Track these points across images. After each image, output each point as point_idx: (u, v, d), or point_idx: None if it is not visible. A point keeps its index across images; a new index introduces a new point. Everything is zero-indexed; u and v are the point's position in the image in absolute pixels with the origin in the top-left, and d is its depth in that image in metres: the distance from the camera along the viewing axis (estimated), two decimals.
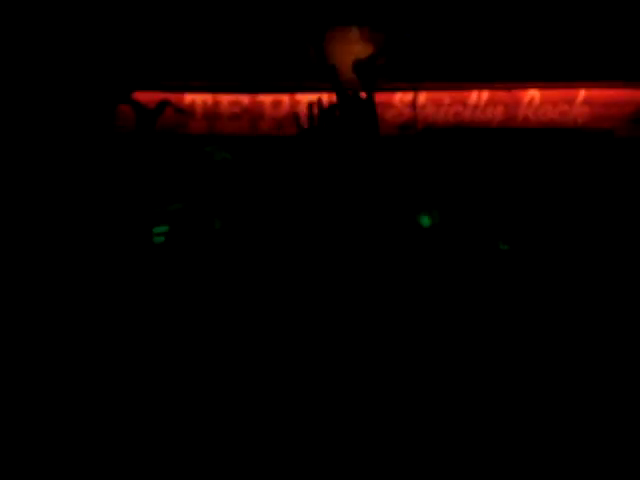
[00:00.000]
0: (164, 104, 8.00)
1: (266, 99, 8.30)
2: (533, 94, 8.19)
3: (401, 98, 8.13)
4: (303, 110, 8.20)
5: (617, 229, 6.34)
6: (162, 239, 6.25)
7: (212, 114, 8.36)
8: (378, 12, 7.33)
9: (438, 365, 4.53)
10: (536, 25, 7.55)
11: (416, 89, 7.48)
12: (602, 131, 8.29)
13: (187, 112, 8.22)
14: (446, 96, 8.24)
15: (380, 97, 8.30)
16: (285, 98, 8.25)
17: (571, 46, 7.23)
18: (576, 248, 7.17)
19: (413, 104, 7.79)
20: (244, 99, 8.31)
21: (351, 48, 7.04)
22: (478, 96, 8.22)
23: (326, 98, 8.36)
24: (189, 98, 8.32)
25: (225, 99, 8.33)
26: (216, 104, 8.35)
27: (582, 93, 8.12)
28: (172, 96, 8.17)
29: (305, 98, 8.32)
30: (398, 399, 4.18)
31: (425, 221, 7.69)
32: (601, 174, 8.08)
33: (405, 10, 7.64)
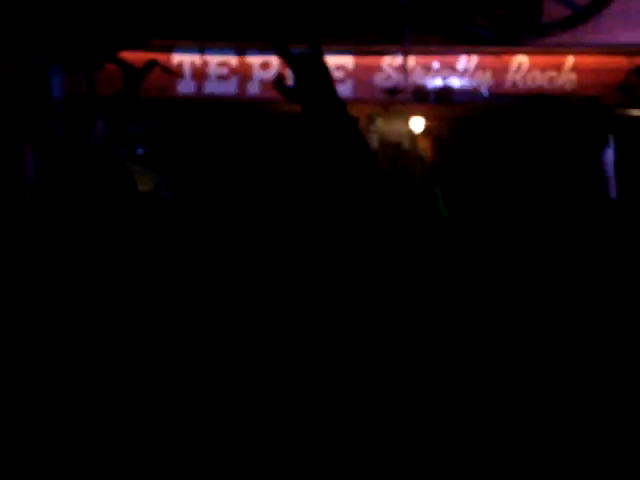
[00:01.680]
0: (152, 64, 7.97)
1: (255, 60, 8.27)
2: (521, 60, 8.19)
3: (390, 62, 8.11)
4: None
5: (602, 199, 6.37)
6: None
7: (200, 75, 8.33)
8: None
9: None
10: None
11: (405, 53, 7.46)
12: (589, 99, 8.30)
13: (175, 73, 8.18)
14: (435, 61, 8.23)
15: (368, 60, 8.29)
16: (274, 59, 8.22)
17: (560, 12, 7.22)
18: (561, 214, 7.20)
19: (403, 68, 7.77)
20: (232, 60, 8.27)
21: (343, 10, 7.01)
22: (467, 61, 8.21)
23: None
24: (177, 59, 8.28)
25: (213, 60, 8.29)
26: (204, 65, 8.31)
27: (570, 60, 8.12)
28: (160, 56, 8.13)
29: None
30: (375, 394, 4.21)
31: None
32: (586, 142, 8.10)
33: None
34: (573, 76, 8.20)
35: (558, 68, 8.18)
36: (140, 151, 7.72)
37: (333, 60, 8.24)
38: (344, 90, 8.37)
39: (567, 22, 6.98)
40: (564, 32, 7.10)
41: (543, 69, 8.21)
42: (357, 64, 8.28)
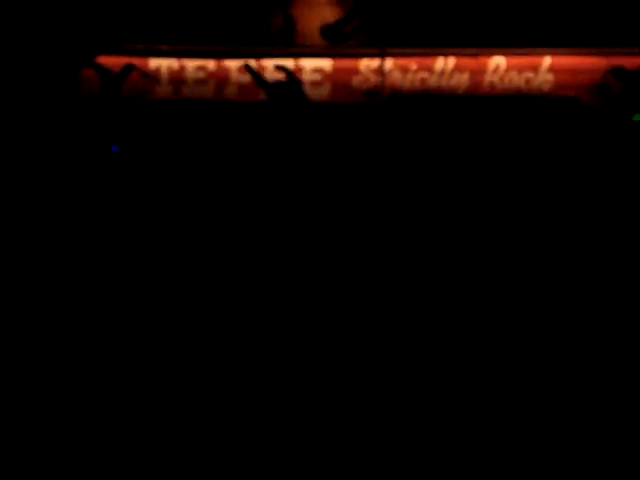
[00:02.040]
0: (129, 68, 7.94)
1: (232, 64, 8.25)
2: (499, 61, 8.20)
3: (367, 64, 8.11)
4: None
5: (582, 196, 6.40)
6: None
7: (178, 79, 8.30)
8: None
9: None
10: None
11: (383, 55, 7.46)
12: (567, 98, 8.32)
13: (152, 77, 8.15)
14: (412, 62, 8.23)
15: (346, 63, 8.29)
16: (251, 64, 8.21)
17: (536, 13, 7.24)
18: (542, 215, 7.22)
19: (380, 70, 7.77)
20: (210, 64, 8.25)
21: (319, 12, 7.00)
22: (444, 62, 8.22)
23: (293, 65, 8.30)
24: (154, 63, 8.25)
25: (191, 64, 8.27)
26: (182, 69, 8.29)
27: (547, 60, 8.15)
28: (137, 60, 8.11)
29: (272, 64, 8.28)
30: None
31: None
32: (566, 141, 8.12)
33: None
34: (550, 77, 8.22)
35: (535, 69, 8.20)
36: (115, 149, 7.69)
37: (311, 63, 8.24)
38: (321, 93, 8.37)
39: (540, 25, 7.01)
40: (538, 34, 7.12)
41: (520, 70, 8.23)
42: (335, 67, 8.28)
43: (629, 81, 8.12)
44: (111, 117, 7.72)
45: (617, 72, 8.15)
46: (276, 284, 5.81)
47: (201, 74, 8.27)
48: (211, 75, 8.28)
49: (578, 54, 8.06)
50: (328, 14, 6.92)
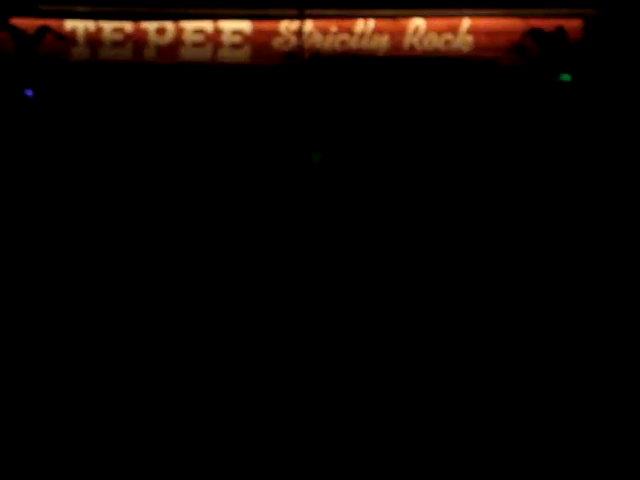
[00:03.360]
0: (44, 30, 7.77)
1: (150, 26, 8.12)
2: (418, 23, 8.21)
3: (287, 26, 8.05)
4: (189, 39, 8.06)
5: (501, 153, 6.45)
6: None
7: (94, 41, 8.15)
8: None
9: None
10: None
11: (302, 17, 7.41)
12: (485, 60, 8.37)
13: (68, 39, 7.99)
14: (332, 24, 8.20)
15: (266, 25, 8.22)
16: (169, 26, 8.10)
17: None
18: (460, 173, 7.27)
19: (299, 32, 7.72)
20: (127, 26, 8.12)
21: None
22: (364, 24, 8.21)
23: (212, 27, 8.21)
24: (70, 25, 8.09)
25: (108, 26, 8.12)
26: (98, 31, 8.14)
27: (466, 22, 8.18)
28: (52, 22, 7.94)
29: (190, 25, 8.18)
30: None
31: (316, 157, 7.69)
32: (484, 102, 8.18)
33: None
34: (469, 38, 8.27)
35: (454, 31, 8.23)
36: (29, 93, 7.54)
37: (230, 25, 8.15)
38: (242, 55, 8.30)
39: None
40: None
41: (440, 32, 8.26)
42: (255, 29, 8.21)
43: (546, 42, 8.21)
44: (26, 80, 7.57)
45: (535, 34, 8.23)
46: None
47: (118, 36, 8.13)
48: (128, 37, 8.15)
49: (496, 16, 8.11)
50: None
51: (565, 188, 6.96)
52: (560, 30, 8.24)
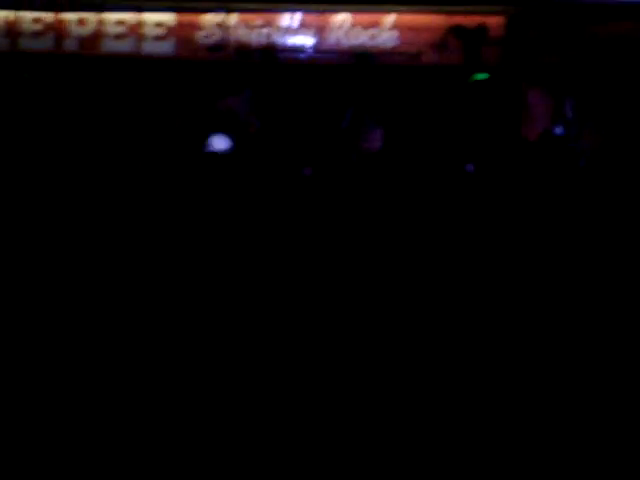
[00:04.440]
0: None
1: (71, 17, 7.98)
2: (344, 17, 8.22)
3: (211, 19, 7.98)
4: (111, 30, 7.93)
5: (422, 148, 6.47)
6: None
7: (13, 32, 7.98)
8: None
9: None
10: None
11: (227, 10, 7.34)
12: (409, 55, 8.42)
13: None
14: (258, 18, 8.15)
15: (189, 17, 8.14)
16: (91, 17, 7.97)
17: None
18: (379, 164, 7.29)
19: (223, 25, 7.65)
20: (48, 17, 7.96)
21: None
22: (290, 19, 8.18)
23: (134, 18, 8.09)
24: None
25: (27, 16, 7.95)
26: (18, 21, 7.96)
27: (391, 17, 8.21)
28: None
29: (113, 17, 8.06)
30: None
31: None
32: (406, 98, 8.22)
33: None
34: (394, 34, 8.30)
35: (379, 26, 8.26)
36: None
37: (153, 17, 8.05)
38: (165, 48, 8.20)
39: None
40: None
41: (365, 27, 8.27)
42: (178, 21, 8.12)
43: (468, 39, 8.28)
44: None
45: (457, 30, 8.29)
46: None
47: (38, 27, 7.96)
48: (49, 28, 7.99)
49: (420, 12, 8.16)
50: None
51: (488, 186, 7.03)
52: (481, 27, 8.32)
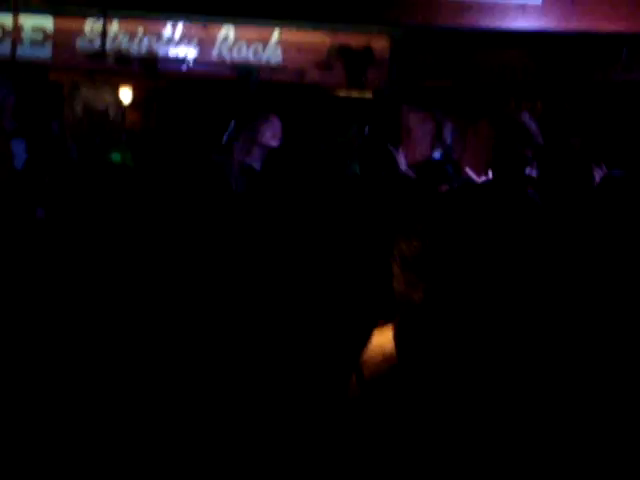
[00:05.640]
0: None
1: None
2: (228, 32, 8.11)
3: (92, 26, 7.76)
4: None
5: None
6: None
7: None
8: None
9: None
10: None
11: (106, 17, 7.14)
12: (293, 72, 8.38)
13: None
14: (139, 27, 7.98)
15: (70, 23, 7.92)
16: None
17: None
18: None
19: (103, 33, 7.44)
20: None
21: None
22: (172, 29, 8.03)
23: (12, 21, 7.84)
24: None
25: None
26: None
27: (276, 34, 8.14)
28: None
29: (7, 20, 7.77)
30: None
31: (116, 157, 7.42)
32: (290, 116, 8.17)
33: None
34: (278, 50, 8.24)
35: (264, 42, 8.18)
36: None
37: (31, 21, 7.79)
38: (43, 53, 7.97)
39: None
40: (268, 5, 7.05)
41: (249, 42, 8.19)
42: (58, 26, 7.89)
43: (353, 60, 8.28)
44: None
45: (342, 51, 8.29)
46: None
47: None
48: None
49: (306, 30, 8.11)
50: None
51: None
52: (367, 49, 8.34)
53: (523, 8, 7.16)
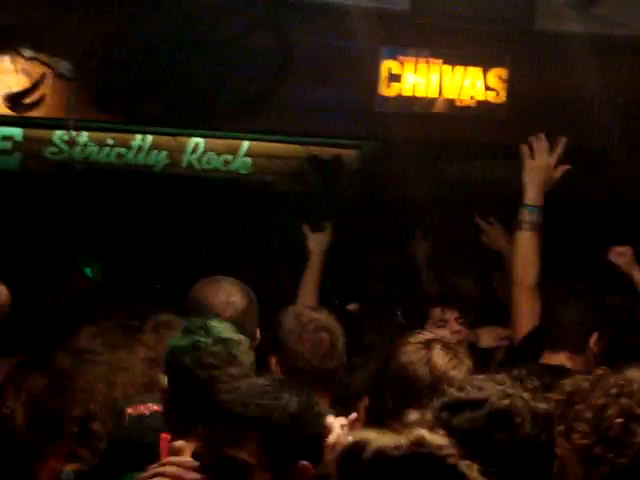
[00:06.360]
0: None
1: None
2: (197, 141, 8.15)
3: (61, 135, 7.77)
4: None
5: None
6: None
7: None
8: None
9: None
10: (206, 75, 7.46)
11: (76, 127, 7.14)
12: (263, 182, 8.40)
13: None
14: (109, 137, 8.01)
15: (38, 133, 7.93)
16: None
17: (235, 99, 7.17)
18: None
19: (72, 142, 7.44)
20: None
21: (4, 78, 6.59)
22: (142, 139, 8.06)
23: None
24: None
25: None
26: None
27: (245, 144, 8.19)
28: None
29: None
30: None
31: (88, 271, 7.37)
32: (261, 227, 8.16)
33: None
34: (248, 160, 8.28)
35: (234, 152, 8.22)
36: None
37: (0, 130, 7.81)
38: (12, 162, 7.97)
39: (239, 111, 6.96)
40: (237, 119, 7.08)
41: (219, 152, 8.22)
42: (26, 136, 7.90)
43: (324, 169, 8.33)
44: None
45: (313, 160, 8.34)
46: None
47: None
48: None
49: (276, 141, 8.16)
50: (14, 81, 6.53)
51: None
52: (337, 158, 8.40)
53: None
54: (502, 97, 7.15)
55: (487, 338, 5.03)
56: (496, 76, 7.13)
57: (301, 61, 6.87)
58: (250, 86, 6.90)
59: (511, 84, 7.12)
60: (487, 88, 7.14)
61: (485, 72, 7.13)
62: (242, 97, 6.95)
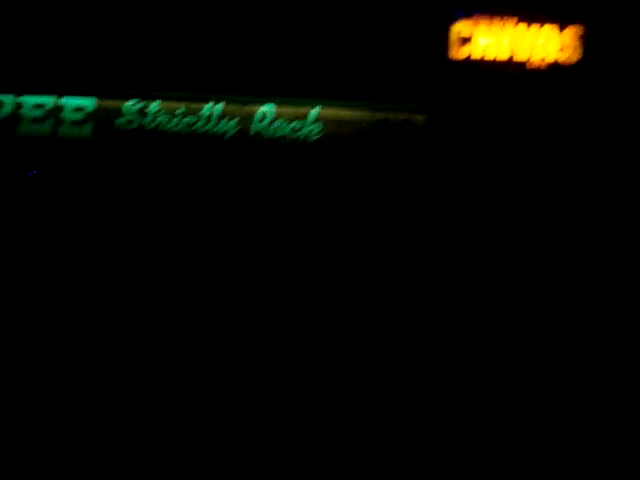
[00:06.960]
0: None
1: None
2: (266, 109, 8.15)
3: (131, 105, 7.83)
4: (28, 114, 7.77)
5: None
6: None
7: None
8: None
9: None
10: (271, 40, 7.48)
11: (147, 97, 7.19)
12: (334, 147, 8.40)
13: None
14: (180, 106, 8.05)
15: (109, 103, 8.01)
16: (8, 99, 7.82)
17: (306, 65, 7.17)
18: None
19: (143, 111, 7.51)
20: None
21: None
22: (212, 108, 8.08)
23: (53, 102, 7.95)
24: None
25: None
26: None
27: (315, 111, 8.17)
28: None
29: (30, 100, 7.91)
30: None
31: None
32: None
33: None
34: (317, 126, 8.29)
35: (303, 118, 8.22)
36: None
37: (73, 102, 7.90)
38: (84, 131, 8.06)
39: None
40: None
41: (289, 119, 8.22)
42: (98, 106, 7.98)
43: (391, 133, 8.30)
44: None
45: (381, 124, 8.32)
46: None
47: None
48: None
49: (344, 107, 8.13)
50: None
51: None
52: (406, 121, 8.35)
53: None
54: (577, 56, 7.05)
55: None
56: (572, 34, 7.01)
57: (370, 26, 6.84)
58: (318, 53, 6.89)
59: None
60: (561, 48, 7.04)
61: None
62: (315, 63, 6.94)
